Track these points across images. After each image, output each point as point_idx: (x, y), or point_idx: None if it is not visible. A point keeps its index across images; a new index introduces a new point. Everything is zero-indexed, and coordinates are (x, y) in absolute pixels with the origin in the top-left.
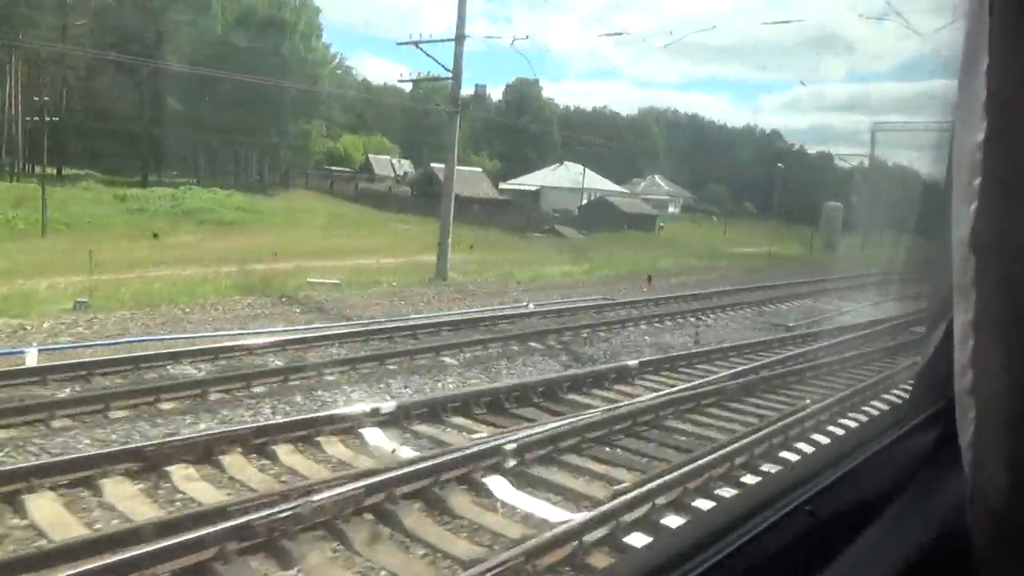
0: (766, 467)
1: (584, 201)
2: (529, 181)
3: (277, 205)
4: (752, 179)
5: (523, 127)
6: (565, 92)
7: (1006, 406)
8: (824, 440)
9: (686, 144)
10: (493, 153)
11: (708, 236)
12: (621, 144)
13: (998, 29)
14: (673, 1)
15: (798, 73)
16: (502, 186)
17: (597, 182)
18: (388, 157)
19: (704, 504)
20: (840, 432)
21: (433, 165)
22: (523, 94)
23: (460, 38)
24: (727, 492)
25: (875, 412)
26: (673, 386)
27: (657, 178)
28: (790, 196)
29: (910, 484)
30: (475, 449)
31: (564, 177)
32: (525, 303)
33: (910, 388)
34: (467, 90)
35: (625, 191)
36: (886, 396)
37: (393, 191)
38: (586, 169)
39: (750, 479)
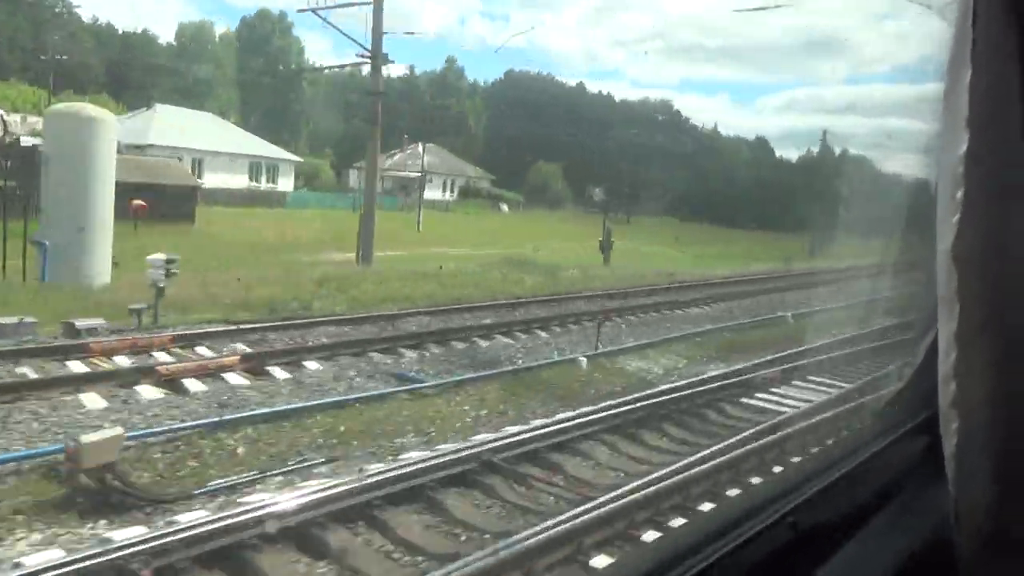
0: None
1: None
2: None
3: None
4: (642, 161)
5: (257, 76)
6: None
7: (988, 417)
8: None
9: (546, 115)
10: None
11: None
12: (417, 108)
13: (980, 44)
14: (673, 1)
15: (797, 74)
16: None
17: (219, 142)
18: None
19: None
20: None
21: None
22: (259, 33)
23: None
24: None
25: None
26: None
27: (420, 150)
28: (671, 182)
29: (895, 495)
30: None
31: (164, 132)
32: None
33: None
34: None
35: (254, 155)
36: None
37: None
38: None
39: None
